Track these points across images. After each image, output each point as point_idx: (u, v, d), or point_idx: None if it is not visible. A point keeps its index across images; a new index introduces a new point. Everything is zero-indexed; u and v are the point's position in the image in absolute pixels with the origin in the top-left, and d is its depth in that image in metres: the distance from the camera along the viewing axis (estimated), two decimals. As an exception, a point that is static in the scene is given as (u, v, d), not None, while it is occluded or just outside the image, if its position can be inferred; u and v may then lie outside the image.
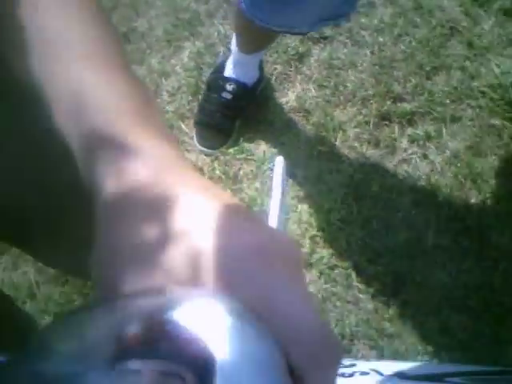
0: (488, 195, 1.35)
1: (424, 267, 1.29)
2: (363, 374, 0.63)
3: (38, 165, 0.65)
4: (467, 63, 1.51)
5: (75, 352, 0.23)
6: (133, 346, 0.22)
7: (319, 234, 1.35)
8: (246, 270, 0.25)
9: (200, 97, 1.51)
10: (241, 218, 0.27)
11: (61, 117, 0.31)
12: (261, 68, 1.49)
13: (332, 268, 1.32)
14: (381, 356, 1.22)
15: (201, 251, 0.25)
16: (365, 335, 1.25)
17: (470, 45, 1.55)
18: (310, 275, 1.30)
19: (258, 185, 1.42)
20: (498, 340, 1.21)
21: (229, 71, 1.46)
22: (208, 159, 1.46)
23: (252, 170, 1.44)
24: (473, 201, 1.35)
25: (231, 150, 1.46)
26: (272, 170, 1.40)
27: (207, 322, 0.23)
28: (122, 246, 0.27)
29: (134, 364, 0.21)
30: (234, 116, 1.48)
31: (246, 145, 1.47)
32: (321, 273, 1.31)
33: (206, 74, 1.56)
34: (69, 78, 0.31)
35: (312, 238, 1.34)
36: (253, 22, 1.12)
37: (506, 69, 1.49)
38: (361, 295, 1.29)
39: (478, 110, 1.45)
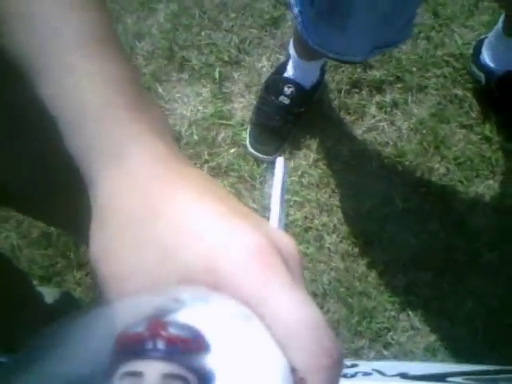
0: (450, 161, 1.44)
1: (391, 229, 1.38)
2: (366, 374, 0.64)
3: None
4: (433, 33, 1.57)
5: (77, 354, 0.23)
6: (134, 347, 0.22)
7: (293, 198, 1.41)
8: (244, 271, 0.25)
9: (258, 98, 1.49)
10: (238, 218, 0.27)
11: (51, 110, 0.30)
12: (322, 72, 1.47)
13: (306, 230, 1.40)
14: (351, 312, 1.32)
15: (198, 253, 0.25)
16: (336, 293, 1.34)
17: (435, 14, 1.61)
18: (286, 237, 1.37)
19: (234, 150, 1.46)
20: (456, 295, 1.32)
21: (289, 72, 1.44)
22: (185, 123, 1.49)
23: (229, 136, 1.48)
24: (436, 166, 1.44)
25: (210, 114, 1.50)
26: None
27: (209, 322, 0.23)
28: (117, 249, 0.27)
29: (136, 366, 0.21)
30: (291, 120, 1.45)
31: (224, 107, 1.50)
32: (295, 235, 1.39)
33: (182, 36, 1.57)
34: (60, 69, 0.30)
35: (287, 201, 1.41)
36: (308, 44, 1.11)
37: (467, 40, 1.57)
38: (332, 255, 1.38)
39: (442, 78, 1.52)
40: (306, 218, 1.41)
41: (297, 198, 1.41)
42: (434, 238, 1.37)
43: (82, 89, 0.30)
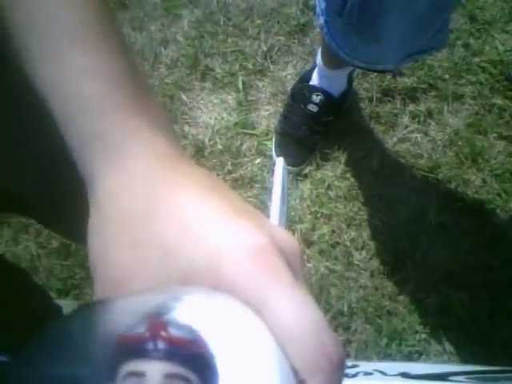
0: (488, 174, 1.36)
1: (424, 245, 1.31)
2: (367, 374, 0.64)
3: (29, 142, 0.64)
4: (471, 39, 1.50)
5: (77, 353, 0.23)
6: (135, 347, 0.22)
7: (320, 210, 1.35)
8: (246, 272, 0.24)
9: (284, 107, 1.43)
10: (240, 218, 0.26)
11: (50, 106, 0.30)
12: (350, 80, 1.40)
13: (333, 246, 1.33)
14: (379, 333, 1.25)
15: (200, 253, 0.25)
16: (364, 313, 1.27)
17: (472, 18, 1.53)
18: (311, 252, 1.31)
19: (259, 160, 1.41)
20: (494, 318, 1.24)
21: (314, 81, 1.38)
22: (209, 132, 1.44)
23: (253, 145, 1.43)
24: (473, 178, 1.36)
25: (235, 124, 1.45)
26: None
27: (211, 322, 0.23)
28: (118, 248, 0.27)
29: (137, 366, 0.21)
30: (320, 130, 1.39)
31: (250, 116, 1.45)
32: (322, 250, 1.32)
33: (208, 43, 1.53)
34: (59, 64, 0.29)
35: (313, 214, 1.35)
36: (337, 54, 1.05)
37: (509, 46, 1.48)
38: (361, 272, 1.31)
39: (478, 85, 1.44)
40: (333, 232, 1.34)
41: (324, 211, 1.35)
42: (469, 255, 1.29)
43: (80, 84, 0.29)
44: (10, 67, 0.31)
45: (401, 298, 1.28)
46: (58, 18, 0.30)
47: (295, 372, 0.23)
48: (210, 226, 0.26)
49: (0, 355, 0.62)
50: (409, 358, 1.22)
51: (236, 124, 1.45)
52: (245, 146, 1.43)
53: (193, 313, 0.23)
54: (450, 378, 0.63)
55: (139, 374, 0.21)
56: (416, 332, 1.24)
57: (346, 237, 1.34)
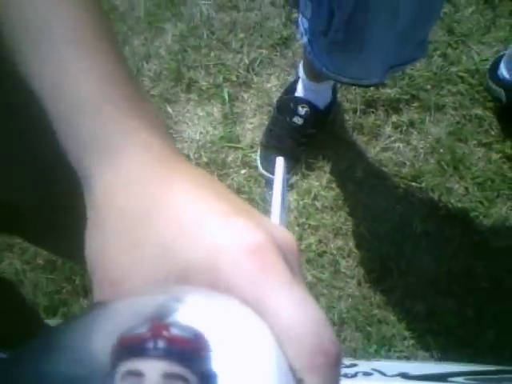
0: (470, 181, 1.39)
1: (409, 253, 1.33)
2: (366, 374, 0.64)
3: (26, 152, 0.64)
4: (449, 50, 1.53)
5: (77, 353, 0.23)
6: (135, 347, 0.22)
7: (308, 222, 1.36)
8: (244, 271, 0.24)
9: (269, 119, 1.44)
10: (238, 216, 0.26)
11: (45, 107, 0.30)
12: (334, 91, 1.42)
13: (320, 254, 1.34)
14: (368, 341, 1.26)
15: (198, 252, 0.25)
16: (354, 321, 1.28)
17: (450, 31, 1.57)
18: (299, 262, 1.32)
19: (244, 171, 1.42)
20: (480, 322, 1.26)
21: (300, 92, 1.39)
22: (194, 147, 1.45)
23: (238, 157, 1.44)
24: (456, 187, 1.38)
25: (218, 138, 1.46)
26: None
27: (210, 322, 0.23)
28: (115, 249, 0.27)
29: (137, 365, 0.21)
30: (304, 142, 1.40)
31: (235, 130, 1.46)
32: (309, 259, 1.33)
33: (190, 57, 1.54)
34: (54, 65, 0.29)
35: (300, 225, 1.36)
36: (321, 71, 1.07)
37: (485, 56, 1.52)
38: (347, 281, 1.32)
39: (459, 96, 1.48)
40: (320, 241, 1.35)
41: (311, 222, 1.36)
42: (454, 261, 1.31)
43: (75, 85, 0.29)
44: (5, 68, 0.31)
45: (389, 306, 1.29)
46: (53, 18, 0.30)
47: (294, 371, 0.23)
48: (208, 225, 0.26)
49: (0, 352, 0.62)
50: (398, 364, 1.24)
51: (221, 138, 1.46)
52: (230, 159, 1.44)
53: (193, 313, 0.23)
54: (450, 378, 0.64)
55: (137, 374, 0.21)
56: (404, 338, 1.26)
57: (332, 246, 1.35)
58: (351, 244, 1.35)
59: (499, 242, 1.33)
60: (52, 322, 1.18)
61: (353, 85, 1.17)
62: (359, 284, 1.32)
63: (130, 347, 0.21)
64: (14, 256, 1.37)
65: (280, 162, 0.40)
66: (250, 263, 0.24)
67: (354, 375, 0.62)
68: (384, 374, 0.64)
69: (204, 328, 0.22)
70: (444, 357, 1.23)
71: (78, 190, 0.30)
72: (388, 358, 1.25)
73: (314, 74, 1.26)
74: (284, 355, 0.23)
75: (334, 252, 1.34)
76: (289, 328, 0.23)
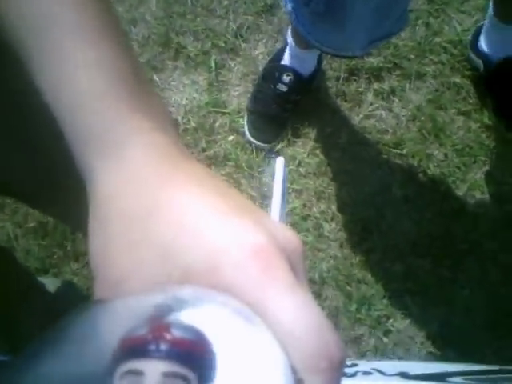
0: (449, 148, 1.44)
1: (389, 216, 1.38)
2: (366, 373, 0.64)
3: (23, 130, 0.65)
4: (431, 19, 1.56)
5: (78, 353, 0.23)
6: (135, 347, 0.22)
7: (292, 186, 1.41)
8: (245, 273, 0.24)
9: (254, 86, 1.47)
10: (240, 216, 0.26)
11: (48, 101, 0.30)
12: (320, 60, 1.45)
13: (304, 218, 1.39)
14: (349, 300, 1.32)
15: (199, 253, 0.25)
16: (334, 281, 1.34)
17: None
18: (284, 225, 1.37)
19: (232, 138, 1.45)
20: (455, 282, 1.33)
21: (286, 61, 1.42)
22: (181, 111, 1.48)
23: (226, 123, 1.47)
24: (435, 153, 1.43)
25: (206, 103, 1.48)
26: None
27: (211, 322, 0.23)
28: (118, 248, 0.27)
29: (137, 365, 0.21)
30: (290, 108, 1.44)
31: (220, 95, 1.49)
32: (294, 223, 1.38)
33: (177, 22, 1.55)
34: (58, 59, 0.29)
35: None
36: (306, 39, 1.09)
37: (466, 26, 1.56)
38: (330, 243, 1.38)
39: (440, 65, 1.51)
40: (304, 206, 1.40)
41: (295, 186, 1.41)
42: (432, 225, 1.37)
43: (78, 78, 0.29)
44: (8, 60, 0.31)
45: (368, 266, 1.35)
46: (57, 12, 0.29)
47: (295, 371, 0.23)
48: (210, 225, 0.25)
49: (1, 354, 0.64)
50: (377, 321, 1.30)
51: (207, 103, 1.48)
52: (218, 124, 1.47)
53: (194, 313, 0.23)
54: (449, 378, 0.64)
55: (138, 373, 0.21)
56: (383, 297, 1.32)
57: (315, 209, 1.40)
58: (334, 208, 1.40)
59: (476, 207, 1.39)
60: (45, 280, 1.22)
61: (336, 56, 1.20)
62: (341, 246, 1.37)
63: (132, 349, 0.22)
64: (6, 218, 1.39)
65: (280, 161, 0.40)
66: (252, 265, 0.24)
67: (354, 374, 0.62)
68: (383, 374, 0.64)
69: (204, 328, 0.23)
70: (420, 315, 1.30)
71: (76, 182, 0.30)
72: (369, 316, 1.31)
73: (301, 40, 1.29)
74: (285, 355, 0.23)
75: (318, 216, 1.39)
76: (291, 331, 0.23)
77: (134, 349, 0.22)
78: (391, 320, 1.31)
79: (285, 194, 0.39)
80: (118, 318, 0.24)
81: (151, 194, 0.27)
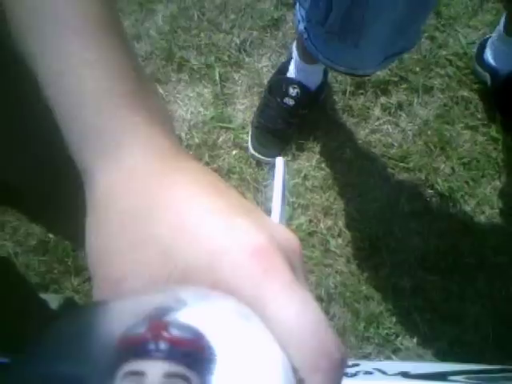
0: (456, 162, 1.42)
1: (397, 232, 1.36)
2: (367, 373, 0.63)
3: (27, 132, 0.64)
4: (436, 33, 1.55)
5: (78, 354, 0.23)
6: (136, 347, 0.22)
7: (298, 201, 1.39)
8: (244, 272, 0.24)
9: (260, 100, 1.46)
10: (240, 216, 0.26)
11: (49, 99, 0.29)
12: (325, 73, 1.44)
13: (310, 234, 1.37)
14: (357, 318, 1.29)
15: (198, 253, 0.25)
16: (342, 298, 1.31)
17: (438, 14, 1.59)
18: (290, 241, 1.35)
19: (235, 152, 1.44)
20: (464, 298, 1.30)
21: (292, 74, 1.41)
22: (185, 126, 1.46)
23: (230, 138, 1.45)
24: (442, 167, 1.41)
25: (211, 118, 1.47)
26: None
27: (211, 322, 0.23)
28: (116, 248, 0.27)
29: (138, 365, 0.21)
30: (295, 123, 1.42)
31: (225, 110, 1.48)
32: (299, 239, 1.35)
33: (181, 38, 1.55)
34: (59, 57, 0.29)
35: (291, 205, 1.38)
36: (317, 58, 1.08)
37: (471, 39, 1.55)
38: (337, 259, 1.35)
39: (447, 78, 1.50)
40: (310, 221, 1.38)
41: (301, 201, 1.39)
42: (440, 240, 1.34)
43: (79, 77, 0.28)
44: (10, 57, 0.31)
45: (376, 282, 1.32)
46: (58, 10, 0.29)
47: (295, 371, 0.23)
48: (209, 225, 0.25)
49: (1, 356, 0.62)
50: (386, 339, 1.27)
51: (212, 118, 1.47)
52: (221, 139, 1.45)
53: (193, 313, 0.23)
54: (450, 377, 0.63)
55: (139, 374, 0.21)
56: (393, 314, 1.29)
57: (322, 225, 1.38)
58: (341, 223, 1.37)
59: (485, 221, 1.37)
60: (47, 296, 1.20)
61: (348, 74, 1.18)
62: (348, 261, 1.34)
63: (131, 348, 0.22)
64: (6, 236, 1.37)
65: (280, 161, 0.40)
66: (252, 265, 0.24)
67: (355, 374, 0.62)
68: (385, 373, 0.64)
69: (204, 328, 0.23)
70: (430, 332, 1.27)
71: (78, 188, 0.30)
72: (377, 335, 1.28)
73: (308, 56, 1.28)
74: (286, 355, 0.23)
75: (325, 232, 1.37)
76: (290, 330, 0.23)
77: (134, 348, 0.22)
78: (400, 338, 1.28)
79: (285, 194, 0.39)
80: (117, 318, 0.23)
81: (151, 194, 0.27)
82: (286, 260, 0.25)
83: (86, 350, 0.23)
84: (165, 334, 0.22)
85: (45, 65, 0.29)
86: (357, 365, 0.65)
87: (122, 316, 0.23)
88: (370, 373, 0.63)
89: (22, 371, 0.23)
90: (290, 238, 0.27)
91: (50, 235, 1.36)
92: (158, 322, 0.22)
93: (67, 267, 1.36)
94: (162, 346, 0.21)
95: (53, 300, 1.18)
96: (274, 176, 0.39)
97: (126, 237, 0.26)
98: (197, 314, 0.23)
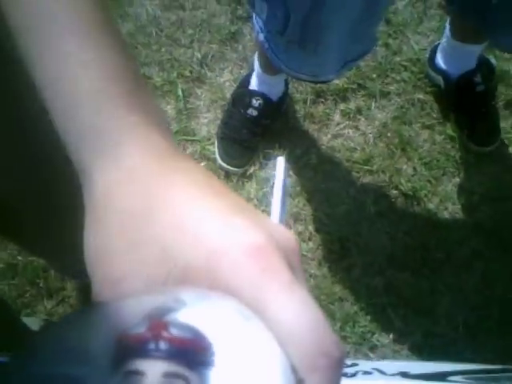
0: (417, 162, 1.47)
1: (366, 232, 1.40)
2: (366, 373, 0.63)
3: (26, 152, 0.64)
4: (390, 40, 1.61)
5: (78, 354, 0.23)
6: (136, 347, 0.22)
7: (266, 208, 1.41)
8: (243, 272, 0.24)
9: (224, 112, 1.48)
10: (239, 216, 0.26)
11: (46, 100, 0.30)
12: (286, 83, 1.47)
13: (282, 240, 1.39)
14: (333, 319, 1.32)
15: (198, 253, 0.25)
16: (317, 300, 1.33)
17: (388, 21, 1.65)
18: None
19: (203, 164, 1.45)
20: (434, 292, 1.34)
21: (254, 86, 1.44)
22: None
23: (196, 150, 1.47)
24: (405, 168, 1.47)
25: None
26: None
27: (210, 322, 0.23)
28: (115, 248, 0.27)
29: (138, 365, 0.21)
30: (260, 132, 1.45)
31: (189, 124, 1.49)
32: (271, 245, 1.38)
33: (142, 53, 1.56)
34: (56, 58, 0.29)
35: (261, 212, 1.40)
36: (279, 68, 1.09)
37: (422, 45, 1.62)
38: (309, 262, 1.38)
39: (402, 83, 1.56)
40: (280, 227, 1.40)
41: (271, 209, 1.41)
42: (408, 237, 1.39)
43: (76, 77, 0.29)
44: (7, 57, 0.31)
45: (349, 283, 1.35)
46: (55, 10, 0.29)
47: (294, 370, 0.23)
48: (208, 225, 0.25)
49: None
50: (362, 337, 1.30)
51: (177, 132, 1.48)
52: (188, 152, 1.47)
53: (193, 313, 0.23)
54: (449, 377, 0.63)
55: (139, 373, 0.21)
56: (367, 313, 1.32)
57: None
58: (311, 228, 1.40)
59: (448, 217, 1.42)
60: (26, 319, 1.18)
61: (310, 81, 1.22)
62: (320, 264, 1.37)
63: (131, 348, 0.22)
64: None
65: (280, 162, 0.40)
66: (251, 265, 0.24)
67: (354, 374, 0.62)
68: (384, 373, 0.63)
69: (203, 327, 0.23)
70: (404, 327, 1.31)
71: (76, 189, 0.30)
72: (354, 334, 1.31)
73: (269, 67, 1.31)
74: (285, 354, 0.23)
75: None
76: (289, 328, 0.23)
77: (134, 348, 0.22)
78: (376, 335, 1.31)
79: (285, 194, 0.39)
80: (117, 318, 0.24)
81: (150, 194, 0.27)
82: (284, 259, 0.25)
83: (85, 350, 0.23)
84: (165, 333, 0.22)
85: (41, 66, 0.29)
86: (356, 365, 0.65)
87: (121, 316, 0.24)
88: (369, 373, 0.63)
89: (22, 371, 0.23)
90: (288, 237, 0.27)
91: (19, 257, 1.34)
92: (157, 321, 0.22)
93: (39, 289, 1.34)
94: (162, 345, 0.21)
95: (32, 323, 1.16)
96: (274, 177, 0.39)
97: (126, 237, 0.26)
98: (196, 314, 0.23)
